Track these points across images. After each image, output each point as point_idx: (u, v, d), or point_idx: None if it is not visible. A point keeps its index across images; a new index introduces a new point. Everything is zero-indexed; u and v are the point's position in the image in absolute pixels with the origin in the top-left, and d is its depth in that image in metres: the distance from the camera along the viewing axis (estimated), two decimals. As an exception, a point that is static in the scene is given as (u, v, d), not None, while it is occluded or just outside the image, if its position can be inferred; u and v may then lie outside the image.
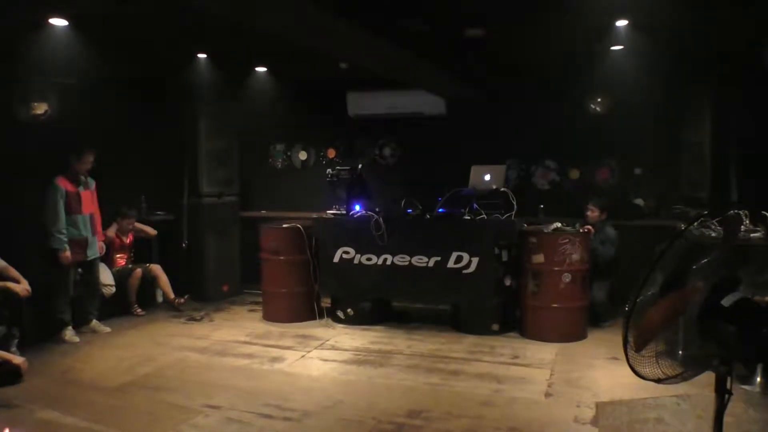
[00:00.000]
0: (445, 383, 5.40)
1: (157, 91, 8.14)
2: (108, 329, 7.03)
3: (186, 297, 8.12)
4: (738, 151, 6.99)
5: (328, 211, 7.58)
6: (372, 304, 7.34)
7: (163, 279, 8.02)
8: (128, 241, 7.99)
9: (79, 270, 6.87)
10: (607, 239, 7.14)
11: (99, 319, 7.07)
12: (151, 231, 8.26)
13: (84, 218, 6.74)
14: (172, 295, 8.00)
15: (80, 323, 6.85)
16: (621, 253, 7.20)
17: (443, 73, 6.94)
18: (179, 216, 8.66)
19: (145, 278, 7.89)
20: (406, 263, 6.98)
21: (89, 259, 6.86)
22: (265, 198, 9.76)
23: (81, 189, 6.75)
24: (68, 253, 6.57)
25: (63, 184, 6.58)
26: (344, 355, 6.24)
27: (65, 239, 6.54)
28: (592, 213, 7.23)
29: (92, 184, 6.95)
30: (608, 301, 7.07)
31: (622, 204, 7.95)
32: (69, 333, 6.66)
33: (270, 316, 7.59)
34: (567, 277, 6.53)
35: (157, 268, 8.02)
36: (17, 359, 5.42)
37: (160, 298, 8.31)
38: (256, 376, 5.64)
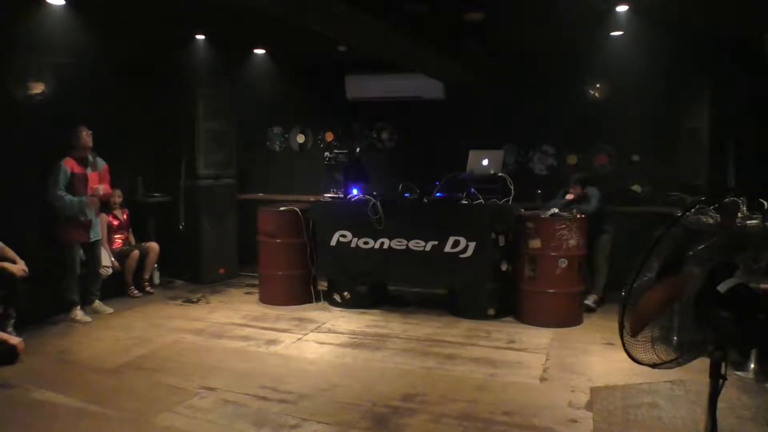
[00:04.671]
0: (440, 367, 5.42)
1: (155, 73, 8.10)
2: (110, 310, 7.04)
3: (152, 290, 8.07)
4: (736, 138, 6.98)
5: (326, 195, 7.59)
6: (368, 287, 7.36)
7: (152, 257, 8.00)
8: (124, 218, 7.95)
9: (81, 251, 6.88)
10: (591, 197, 7.12)
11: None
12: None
13: (88, 198, 6.71)
14: (147, 276, 8.02)
15: (82, 304, 6.84)
16: (618, 240, 7.21)
17: (442, 57, 6.91)
18: (176, 198, 8.64)
19: (142, 259, 7.88)
20: (403, 247, 6.98)
21: (92, 240, 6.85)
22: (263, 181, 9.75)
23: (89, 170, 6.73)
24: (91, 199, 6.64)
25: (69, 165, 6.56)
26: (340, 338, 6.25)
27: (72, 198, 6.51)
28: (574, 190, 7.19)
29: (101, 165, 6.93)
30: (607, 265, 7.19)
31: (619, 190, 7.94)
32: (79, 313, 6.70)
33: (266, 299, 7.60)
34: (563, 263, 6.54)
35: (152, 248, 8.01)
36: (14, 339, 5.42)
37: (157, 280, 8.32)
38: (252, 358, 5.66)
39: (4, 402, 4.57)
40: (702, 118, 7.31)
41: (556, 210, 6.84)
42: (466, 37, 7.17)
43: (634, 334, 2.26)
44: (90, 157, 6.76)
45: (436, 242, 6.87)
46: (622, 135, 8.05)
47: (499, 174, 7.03)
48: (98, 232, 6.97)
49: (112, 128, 7.44)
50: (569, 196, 7.14)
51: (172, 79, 8.28)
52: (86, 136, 6.65)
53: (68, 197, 6.50)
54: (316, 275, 7.54)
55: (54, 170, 6.49)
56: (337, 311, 7.23)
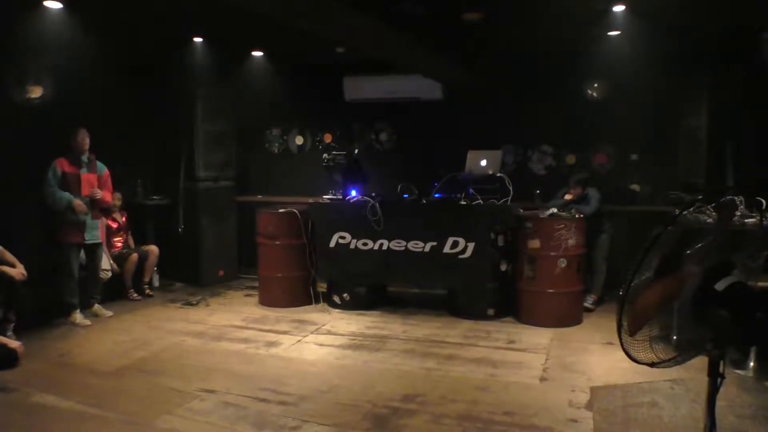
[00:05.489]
0: (440, 368, 5.42)
1: (153, 74, 8.10)
2: (110, 313, 7.04)
3: (152, 293, 8.08)
4: (734, 136, 6.98)
5: (325, 196, 7.59)
6: (368, 289, 7.35)
7: (151, 260, 8.01)
8: (123, 221, 7.95)
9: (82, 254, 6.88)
10: (591, 198, 7.12)
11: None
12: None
13: (83, 201, 6.69)
14: (147, 279, 8.03)
15: (82, 307, 6.84)
16: (616, 239, 7.21)
17: (440, 57, 6.92)
18: (175, 200, 8.63)
19: (141, 262, 7.87)
20: (402, 248, 6.99)
21: (88, 242, 6.84)
22: (262, 182, 9.73)
23: (83, 171, 6.72)
24: (78, 202, 6.59)
25: (60, 164, 6.57)
26: (340, 339, 6.25)
27: (62, 194, 6.52)
28: (575, 191, 7.17)
29: (102, 171, 6.93)
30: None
31: (618, 189, 7.94)
32: (78, 316, 6.70)
33: (266, 301, 7.60)
34: (563, 263, 6.55)
35: (152, 251, 8.01)
36: (13, 343, 5.42)
37: (156, 283, 8.32)
38: (252, 360, 5.66)
39: (4, 405, 4.57)
40: (700, 117, 7.32)
41: (554, 210, 6.85)
42: (464, 38, 7.18)
43: (632, 333, 2.26)
44: (85, 159, 6.75)
45: (435, 243, 6.87)
46: (620, 134, 8.04)
47: (498, 174, 7.03)
48: (96, 235, 6.92)
49: (111, 130, 7.43)
50: (568, 197, 7.14)
51: (170, 81, 8.28)
52: (82, 138, 6.66)
53: (59, 192, 6.51)
54: (315, 277, 7.54)
55: (47, 170, 6.52)
56: (336, 313, 7.23)
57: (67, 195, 6.54)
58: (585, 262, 6.83)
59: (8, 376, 5.07)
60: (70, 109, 6.85)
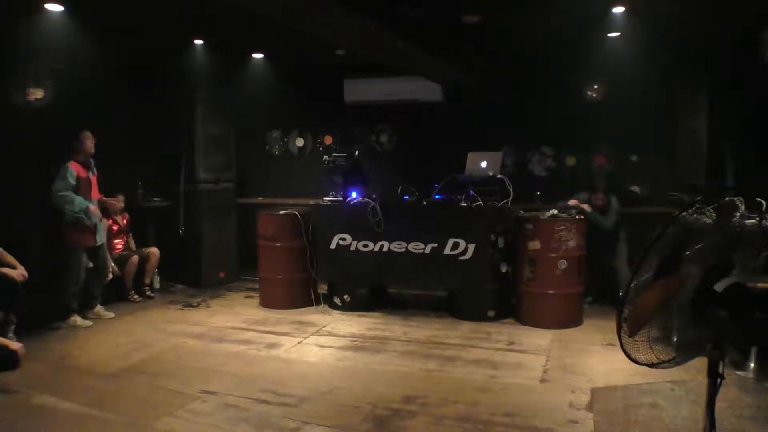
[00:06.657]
0: (441, 369, 5.42)
1: (154, 77, 8.11)
2: (111, 315, 7.05)
3: (153, 295, 8.09)
4: (734, 137, 6.99)
5: (325, 198, 7.59)
6: (368, 290, 7.36)
7: (152, 262, 8.02)
8: (124, 223, 7.96)
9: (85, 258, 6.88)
10: (611, 209, 7.16)
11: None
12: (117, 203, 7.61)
13: (94, 204, 6.73)
14: (147, 281, 8.05)
15: (84, 308, 6.86)
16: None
17: (441, 59, 6.92)
18: (176, 202, 8.64)
19: (142, 264, 7.88)
20: (403, 250, 6.99)
21: (99, 243, 6.87)
22: (262, 184, 9.76)
23: (90, 175, 6.76)
24: (93, 207, 6.64)
25: (75, 168, 6.57)
26: (341, 341, 6.25)
27: (80, 199, 6.53)
28: (601, 198, 7.16)
29: (95, 170, 6.94)
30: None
31: (618, 191, 7.94)
32: (78, 319, 6.71)
33: (267, 303, 7.61)
34: (563, 264, 6.55)
35: (153, 253, 8.02)
36: (14, 345, 5.39)
37: (157, 285, 8.32)
38: (253, 362, 5.66)
39: (5, 407, 4.57)
40: (700, 117, 7.32)
41: (555, 211, 6.85)
42: (464, 40, 7.19)
43: (632, 334, 2.26)
44: (91, 161, 6.77)
45: (435, 244, 6.87)
46: (620, 135, 8.05)
47: (498, 176, 7.04)
48: (103, 235, 6.99)
49: (111, 133, 7.43)
50: (572, 202, 7.12)
51: (171, 83, 8.28)
52: (89, 141, 6.68)
53: (77, 198, 6.52)
54: (316, 278, 7.54)
55: (60, 171, 6.49)
56: (337, 314, 7.23)
57: (84, 201, 6.57)
58: (586, 265, 6.80)
59: (9, 378, 5.06)
60: (71, 111, 6.87)
